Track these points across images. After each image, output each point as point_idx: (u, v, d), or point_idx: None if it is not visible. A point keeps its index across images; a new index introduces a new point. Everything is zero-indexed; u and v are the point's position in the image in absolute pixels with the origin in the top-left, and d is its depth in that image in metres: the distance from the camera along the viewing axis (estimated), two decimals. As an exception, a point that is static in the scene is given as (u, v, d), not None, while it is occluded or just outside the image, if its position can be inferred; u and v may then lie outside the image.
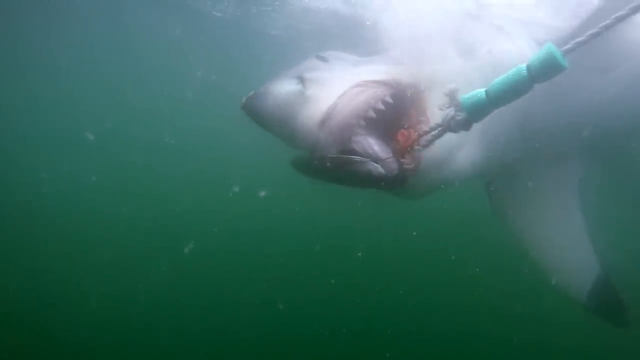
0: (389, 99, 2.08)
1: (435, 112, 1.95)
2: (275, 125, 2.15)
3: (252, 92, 2.19)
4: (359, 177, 1.99)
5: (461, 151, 2.29)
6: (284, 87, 2.13)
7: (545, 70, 1.59)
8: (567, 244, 3.24)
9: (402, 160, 2.02)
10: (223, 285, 10.24)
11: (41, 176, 12.39)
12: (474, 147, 2.36)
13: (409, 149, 1.99)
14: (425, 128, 1.93)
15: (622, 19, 1.58)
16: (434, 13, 2.71)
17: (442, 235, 8.46)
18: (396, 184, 2.04)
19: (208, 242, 10.62)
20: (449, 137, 1.91)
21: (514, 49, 2.49)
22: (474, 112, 1.75)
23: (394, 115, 2.13)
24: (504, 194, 3.22)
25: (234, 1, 6.57)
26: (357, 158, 1.94)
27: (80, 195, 12.43)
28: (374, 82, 2.12)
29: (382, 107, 2.05)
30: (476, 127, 1.81)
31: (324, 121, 1.98)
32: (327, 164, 1.97)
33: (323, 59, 2.29)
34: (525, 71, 1.62)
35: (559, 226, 3.25)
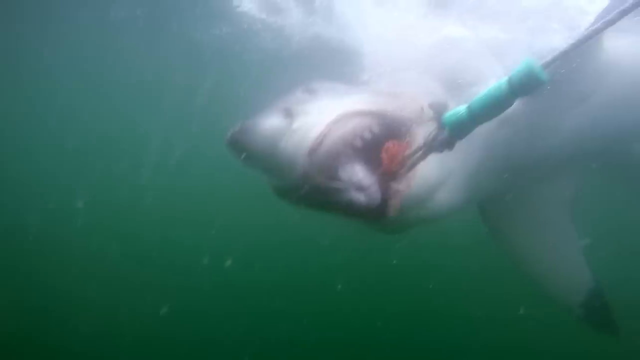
0: (375, 129, 2.09)
1: (425, 130, 1.98)
2: (263, 159, 2.12)
3: (237, 127, 2.15)
4: (342, 206, 1.98)
5: (443, 189, 2.31)
6: (271, 121, 2.11)
7: (525, 84, 1.59)
8: (560, 258, 3.28)
9: (385, 190, 2.02)
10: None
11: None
12: (456, 184, 2.38)
13: (393, 172, 1.98)
14: (411, 150, 1.95)
15: (597, 32, 1.59)
16: (416, 47, 2.76)
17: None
18: (377, 214, 2.04)
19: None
20: (430, 173, 1.97)
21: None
22: (457, 130, 1.75)
23: (381, 145, 2.11)
24: (495, 213, 3.23)
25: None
26: (341, 185, 1.95)
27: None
28: (361, 111, 2.13)
29: (368, 135, 2.06)
30: (459, 162, 1.82)
31: (312, 150, 1.97)
32: (313, 192, 1.97)
33: (310, 91, 2.28)
34: (505, 85, 1.62)
35: (552, 241, 3.27)
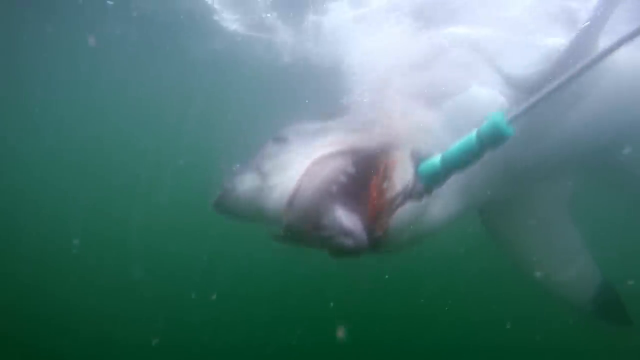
0: (350, 169, 2.10)
1: (401, 172, 2.04)
2: (247, 218, 2.25)
3: (218, 194, 2.27)
4: (334, 249, 2.04)
5: (437, 203, 2.28)
6: (245, 184, 2.20)
7: (492, 139, 1.66)
8: (563, 256, 3.26)
9: (372, 229, 2.05)
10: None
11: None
12: (450, 196, 2.35)
13: (377, 218, 2.03)
14: (391, 194, 1.99)
15: (560, 87, 1.64)
16: (388, 68, 2.71)
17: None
18: (370, 251, 2.07)
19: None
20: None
21: (483, 95, 2.50)
22: (432, 181, 1.83)
23: (362, 181, 2.15)
24: (494, 214, 3.19)
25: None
26: (327, 233, 1.98)
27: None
28: (332, 155, 2.15)
29: (344, 179, 2.06)
30: (454, 179, 1.84)
31: (289, 206, 2.04)
32: (303, 238, 2.04)
33: (280, 140, 2.32)
34: (475, 139, 1.69)
35: (553, 240, 3.25)
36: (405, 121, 2.33)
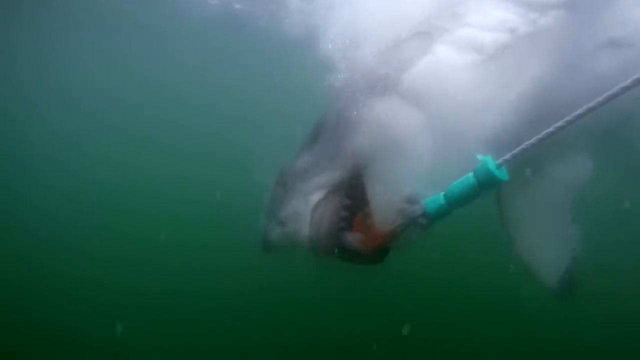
0: (345, 201, 2.46)
1: (374, 194, 2.34)
2: (291, 249, 2.65)
3: (260, 242, 2.76)
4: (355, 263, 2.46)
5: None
6: (273, 234, 2.67)
7: (488, 182, 1.90)
8: (553, 239, 3.35)
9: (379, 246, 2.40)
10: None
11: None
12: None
13: (380, 241, 2.36)
14: (388, 228, 2.27)
15: (551, 134, 1.79)
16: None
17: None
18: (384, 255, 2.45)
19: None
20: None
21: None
22: (437, 215, 2.07)
23: (360, 201, 2.46)
24: (509, 198, 3.20)
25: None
26: (345, 256, 2.41)
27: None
28: (326, 197, 2.48)
29: (344, 213, 2.44)
30: None
31: (311, 246, 2.45)
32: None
33: (283, 185, 2.68)
34: (474, 182, 1.92)
35: (551, 224, 3.34)
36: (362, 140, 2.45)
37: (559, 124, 1.75)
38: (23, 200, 12.64)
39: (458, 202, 1.99)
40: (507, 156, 1.86)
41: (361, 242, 2.36)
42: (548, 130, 1.76)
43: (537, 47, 2.23)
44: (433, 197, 2.06)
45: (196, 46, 10.91)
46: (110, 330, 8.27)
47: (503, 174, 1.88)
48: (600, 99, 1.58)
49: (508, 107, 2.22)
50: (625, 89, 1.51)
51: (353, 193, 2.45)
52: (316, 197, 2.51)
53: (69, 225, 11.72)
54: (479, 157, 1.90)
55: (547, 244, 3.34)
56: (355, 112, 2.40)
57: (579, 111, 1.65)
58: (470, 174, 1.93)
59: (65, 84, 13.30)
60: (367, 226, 2.35)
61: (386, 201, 2.27)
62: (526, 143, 1.84)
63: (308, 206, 2.50)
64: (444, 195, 2.02)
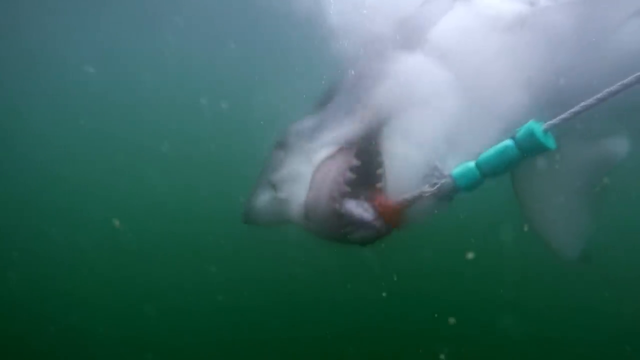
0: (355, 162, 2.09)
1: (391, 155, 2.01)
2: (274, 224, 2.37)
3: (242, 211, 2.42)
4: (354, 241, 2.08)
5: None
6: (262, 199, 2.33)
7: (532, 149, 1.62)
8: (575, 216, 3.13)
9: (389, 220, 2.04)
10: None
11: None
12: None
13: (393, 215, 2.02)
14: (406, 197, 1.94)
15: (611, 94, 1.56)
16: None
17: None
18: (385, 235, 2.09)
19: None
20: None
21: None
22: (467, 187, 1.78)
23: (370, 166, 2.13)
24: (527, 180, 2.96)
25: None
26: (347, 229, 2.03)
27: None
28: (332, 156, 2.14)
29: (352, 175, 2.06)
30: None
31: (306, 214, 2.09)
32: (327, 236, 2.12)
33: (282, 146, 2.35)
34: (513, 147, 1.64)
35: (575, 201, 3.09)
36: (391, 112, 2.20)
37: (612, 88, 1.56)
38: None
39: (493, 171, 1.71)
40: (556, 120, 1.61)
41: (367, 211, 2.01)
42: (600, 95, 1.58)
43: (558, 22, 2.10)
44: (463, 166, 1.78)
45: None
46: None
47: (550, 141, 1.59)
48: None
49: (526, 84, 2.10)
50: None
51: (365, 156, 2.11)
52: (322, 155, 2.16)
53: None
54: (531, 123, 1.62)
55: (568, 220, 3.13)
56: (380, 67, 2.18)
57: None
58: (509, 141, 1.66)
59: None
60: (380, 195, 2.02)
61: (406, 166, 1.96)
62: (578, 106, 1.61)
63: (310, 166, 2.16)
64: (476, 164, 1.74)
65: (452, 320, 7.64)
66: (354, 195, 2.05)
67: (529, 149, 1.61)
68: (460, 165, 1.79)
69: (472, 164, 1.74)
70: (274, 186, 2.26)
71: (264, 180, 2.33)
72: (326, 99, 2.39)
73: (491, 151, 1.69)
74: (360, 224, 1.99)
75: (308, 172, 2.14)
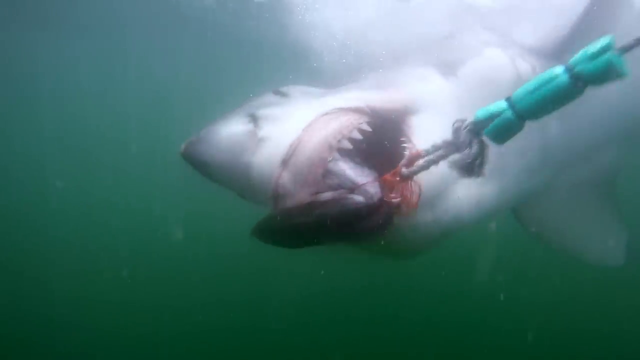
0: (366, 127, 1.71)
1: (422, 137, 1.70)
2: (225, 174, 1.75)
3: (193, 136, 1.81)
4: (334, 219, 1.49)
5: (467, 192, 1.86)
6: (231, 128, 1.74)
7: (597, 76, 1.14)
8: (600, 224, 3.22)
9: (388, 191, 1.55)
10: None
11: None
12: (486, 187, 1.95)
13: (397, 178, 1.50)
14: (420, 152, 1.45)
15: None
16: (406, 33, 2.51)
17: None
18: (379, 223, 1.56)
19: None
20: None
21: (504, 64, 2.21)
22: (496, 132, 1.29)
23: (375, 147, 1.74)
24: (530, 210, 2.92)
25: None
26: (329, 196, 1.49)
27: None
28: (345, 109, 1.75)
29: (358, 135, 1.66)
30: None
31: (285, 161, 1.58)
32: (294, 216, 1.53)
33: (282, 94, 1.94)
34: (565, 77, 1.17)
35: (594, 217, 3.17)
36: (423, 86, 2.06)
37: None
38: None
39: (533, 110, 1.23)
40: (632, 41, 1.13)
41: (364, 176, 1.56)
42: None
43: None
44: (488, 106, 1.30)
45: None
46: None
47: (622, 66, 1.12)
48: None
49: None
50: None
51: (379, 130, 1.73)
52: (333, 102, 1.76)
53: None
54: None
55: (597, 230, 3.21)
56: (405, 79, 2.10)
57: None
58: (559, 67, 1.19)
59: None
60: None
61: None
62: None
63: (311, 110, 1.72)
64: (508, 103, 1.26)
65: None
66: (352, 158, 1.63)
67: (592, 74, 1.13)
68: (485, 107, 1.31)
69: (502, 102, 1.27)
70: (254, 119, 1.74)
71: (243, 111, 1.81)
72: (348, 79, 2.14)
73: (533, 83, 1.22)
74: (350, 185, 1.51)
75: (307, 114, 1.69)
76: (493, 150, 1.77)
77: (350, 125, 1.66)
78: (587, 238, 3.16)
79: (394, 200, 1.52)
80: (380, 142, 1.74)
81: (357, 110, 1.76)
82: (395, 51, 2.46)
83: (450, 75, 2.11)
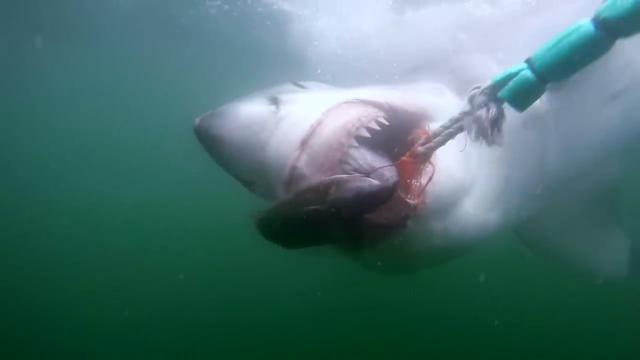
0: (383, 120, 1.68)
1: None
2: (239, 153, 1.67)
3: (209, 111, 1.77)
4: (348, 204, 1.42)
5: (470, 203, 1.83)
6: (252, 105, 1.71)
7: (627, 22, 1.13)
8: (601, 238, 3.23)
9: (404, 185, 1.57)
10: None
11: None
12: (490, 209, 1.92)
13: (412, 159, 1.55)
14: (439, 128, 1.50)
15: None
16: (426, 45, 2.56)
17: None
18: (394, 226, 1.59)
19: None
20: (454, 170, 1.65)
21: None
22: (517, 95, 1.27)
23: (389, 144, 1.72)
24: (532, 225, 2.90)
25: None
26: (344, 177, 1.44)
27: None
28: (366, 101, 1.74)
29: (376, 127, 1.64)
30: (483, 167, 1.67)
31: (305, 141, 1.55)
32: (307, 199, 1.44)
33: (301, 85, 1.94)
34: (592, 28, 1.16)
35: (595, 230, 3.18)
36: (439, 99, 2.05)
37: None
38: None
39: (558, 65, 1.21)
40: None
41: (379, 161, 1.57)
42: None
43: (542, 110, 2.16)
44: (508, 68, 1.29)
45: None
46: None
47: None
48: None
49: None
50: None
51: (396, 129, 1.70)
52: (354, 94, 1.76)
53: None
54: None
55: (598, 243, 3.24)
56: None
57: None
58: (585, 20, 1.17)
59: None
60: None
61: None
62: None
63: (332, 97, 1.72)
64: (528, 64, 1.25)
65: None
66: (369, 147, 1.63)
67: (619, 20, 1.12)
68: (503, 71, 1.31)
69: (522, 64, 1.26)
70: (274, 101, 1.72)
71: (264, 94, 1.79)
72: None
73: (556, 39, 1.20)
74: (366, 170, 1.52)
75: (327, 101, 1.68)
76: (500, 175, 1.92)
77: (369, 116, 1.66)
78: (589, 252, 3.17)
79: (409, 201, 1.54)
80: (394, 140, 1.72)
81: (376, 105, 1.75)
82: (398, 62, 2.53)
83: (463, 94, 2.11)
